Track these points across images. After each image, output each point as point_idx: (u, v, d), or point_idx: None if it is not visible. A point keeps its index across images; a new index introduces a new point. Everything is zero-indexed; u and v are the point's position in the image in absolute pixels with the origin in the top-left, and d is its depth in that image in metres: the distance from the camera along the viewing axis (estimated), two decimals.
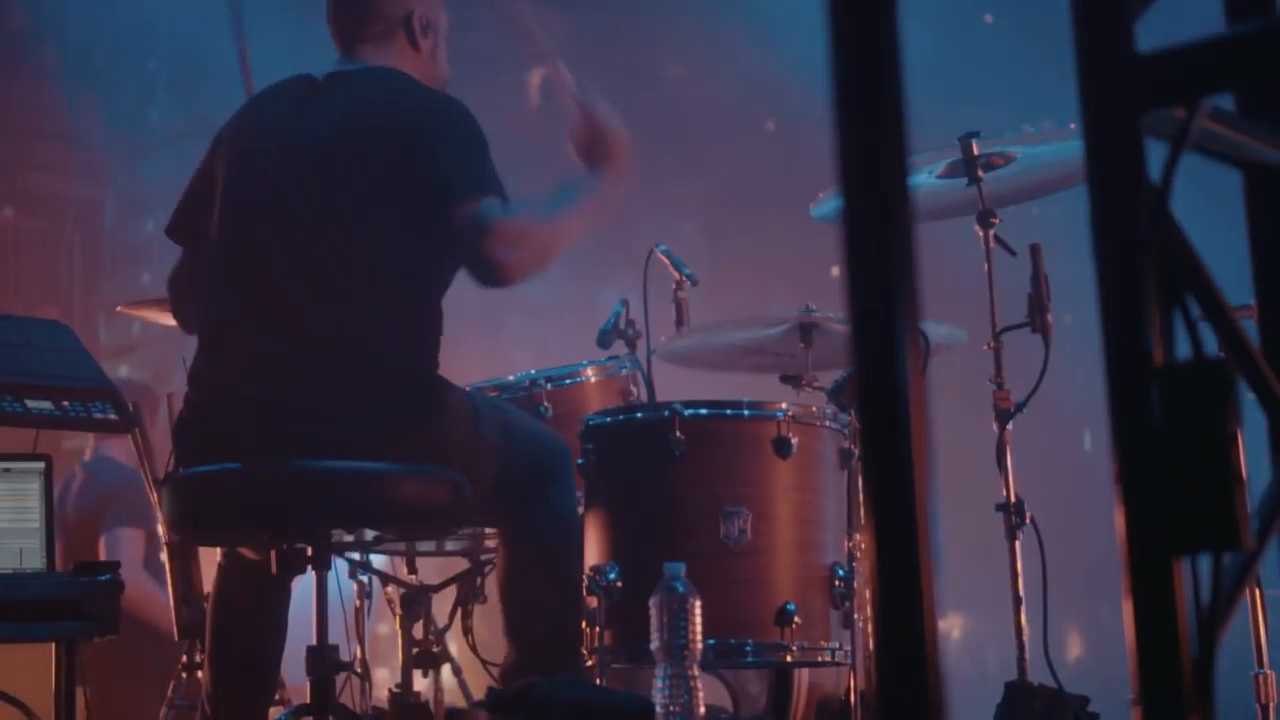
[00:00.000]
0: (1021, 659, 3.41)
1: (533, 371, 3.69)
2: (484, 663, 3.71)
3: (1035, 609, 3.39)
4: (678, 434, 2.99)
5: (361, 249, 2.91)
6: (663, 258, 3.90)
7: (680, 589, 2.61)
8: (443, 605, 3.65)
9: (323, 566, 2.84)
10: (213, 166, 3.15)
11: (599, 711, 2.43)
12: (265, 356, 2.89)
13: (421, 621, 3.44)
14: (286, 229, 2.93)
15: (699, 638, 2.61)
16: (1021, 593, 3.44)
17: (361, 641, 3.69)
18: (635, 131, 3.01)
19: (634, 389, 3.75)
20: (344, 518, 2.83)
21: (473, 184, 2.86)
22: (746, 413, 3.06)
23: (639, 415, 3.14)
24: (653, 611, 2.62)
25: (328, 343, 2.87)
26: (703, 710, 2.57)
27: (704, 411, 3.04)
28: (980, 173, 3.59)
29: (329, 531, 2.85)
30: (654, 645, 2.60)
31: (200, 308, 3.07)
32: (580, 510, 3.17)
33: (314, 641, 2.85)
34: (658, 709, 2.55)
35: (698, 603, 2.62)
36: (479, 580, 3.63)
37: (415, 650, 3.40)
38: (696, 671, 2.59)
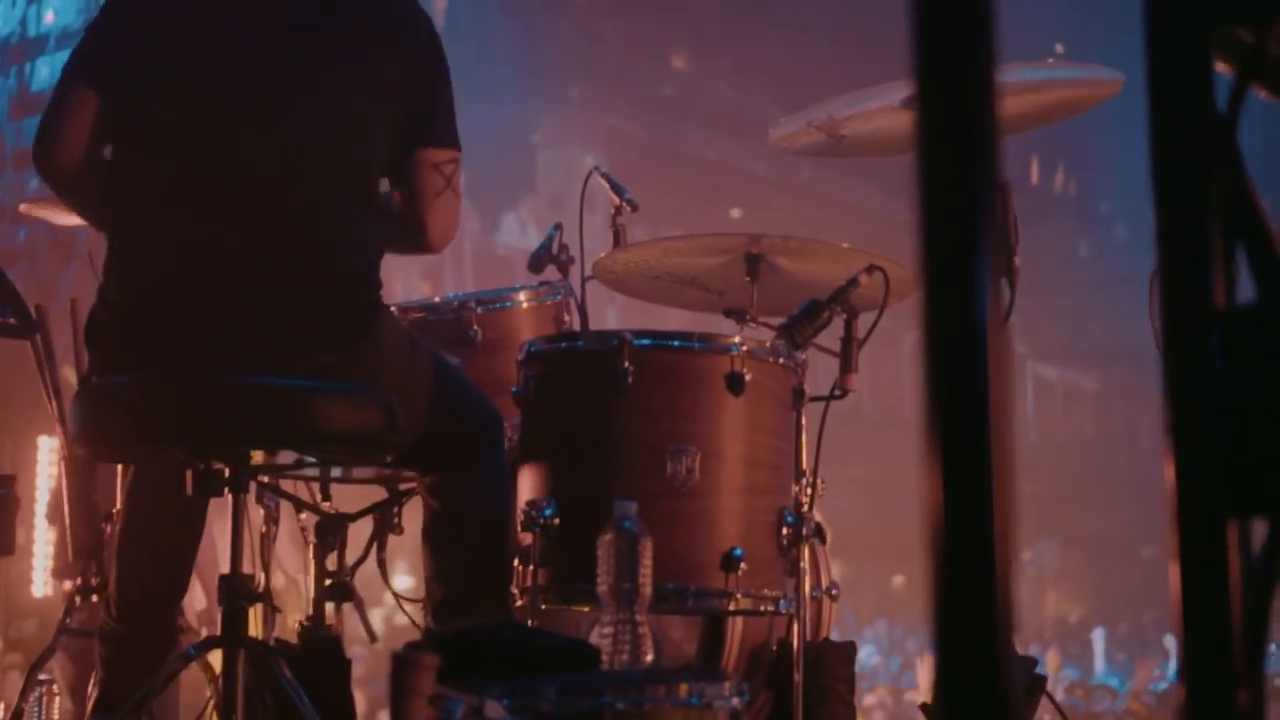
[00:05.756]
0: None
1: (462, 293, 3.50)
2: (397, 597, 3.54)
3: None
4: (626, 365, 2.82)
5: (336, 145, 2.71)
6: (601, 181, 3.71)
7: (631, 529, 2.44)
8: (357, 536, 3.45)
9: (240, 489, 2.62)
10: (144, 24, 2.79)
11: (544, 657, 2.26)
12: (204, 245, 2.64)
13: (336, 552, 3.25)
14: (261, 111, 2.69)
15: (649, 582, 2.44)
16: None
17: (268, 571, 3.48)
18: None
19: (567, 316, 3.57)
20: (267, 438, 2.61)
21: (454, 138, 2.84)
22: (698, 345, 2.89)
23: (584, 344, 2.95)
24: (600, 553, 2.44)
25: (280, 234, 2.64)
26: (650, 658, 2.41)
27: (654, 342, 2.87)
28: None
29: (249, 453, 2.63)
30: (601, 588, 2.43)
31: (119, 190, 2.75)
32: (514, 439, 2.99)
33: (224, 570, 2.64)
34: (603, 656, 2.39)
35: (649, 544, 2.45)
36: (396, 510, 3.43)
37: (328, 582, 3.20)
38: (644, 617, 2.43)
